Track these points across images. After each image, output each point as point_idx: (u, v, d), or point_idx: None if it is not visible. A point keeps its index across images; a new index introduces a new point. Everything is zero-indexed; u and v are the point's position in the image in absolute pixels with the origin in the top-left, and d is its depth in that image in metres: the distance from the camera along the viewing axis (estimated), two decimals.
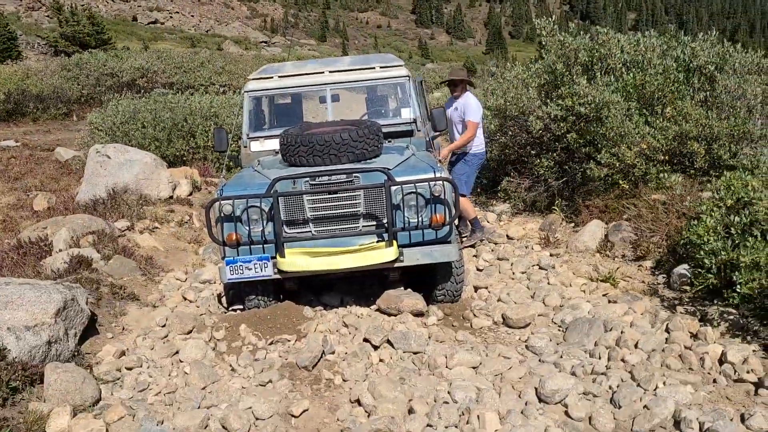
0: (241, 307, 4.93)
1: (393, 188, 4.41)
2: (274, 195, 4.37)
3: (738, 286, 3.99)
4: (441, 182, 4.45)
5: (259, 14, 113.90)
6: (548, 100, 7.50)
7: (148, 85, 19.72)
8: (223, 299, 5.23)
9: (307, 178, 4.52)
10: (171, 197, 7.96)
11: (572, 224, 7.03)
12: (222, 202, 4.44)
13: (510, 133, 8.35)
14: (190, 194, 8.25)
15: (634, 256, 5.86)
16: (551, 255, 6.12)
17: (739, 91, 6.92)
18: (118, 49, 31.09)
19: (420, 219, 4.51)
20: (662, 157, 6.67)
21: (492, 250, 6.34)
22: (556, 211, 7.27)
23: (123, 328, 4.69)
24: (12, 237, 6.65)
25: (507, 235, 6.88)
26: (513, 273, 5.64)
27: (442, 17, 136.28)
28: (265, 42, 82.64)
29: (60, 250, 5.71)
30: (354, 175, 4.52)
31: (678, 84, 7.02)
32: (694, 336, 4.09)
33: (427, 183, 4.45)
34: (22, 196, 8.91)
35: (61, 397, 3.47)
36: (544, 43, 8.01)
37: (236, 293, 5.10)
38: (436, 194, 4.47)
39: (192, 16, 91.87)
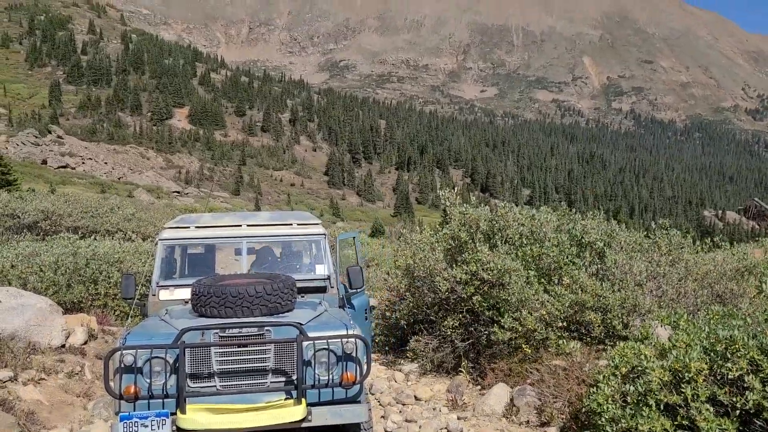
0: None
1: (305, 344, 4.38)
2: (181, 346, 4.23)
3: None
4: (354, 339, 4.47)
5: (174, 165, 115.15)
6: (454, 264, 7.88)
7: (52, 228, 18.98)
8: None
9: (217, 330, 4.43)
10: (63, 346, 7.45)
11: (479, 386, 7.11)
12: (124, 351, 4.23)
13: (418, 293, 8.60)
14: (85, 343, 7.76)
15: (539, 422, 5.94)
16: (459, 418, 6.10)
17: (627, 266, 7.57)
18: (22, 191, 30.22)
19: (330, 377, 4.45)
20: (561, 324, 7.03)
21: (400, 412, 6.26)
22: (462, 373, 7.36)
23: None
24: None
25: (415, 396, 6.84)
26: None
27: (354, 180, 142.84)
28: (178, 192, 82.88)
29: None
30: (266, 328, 4.48)
31: (572, 257, 7.61)
32: None
33: (339, 340, 4.46)
34: None
35: None
36: (447, 212, 8.58)
37: None
38: (348, 351, 4.46)
39: (105, 163, 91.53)
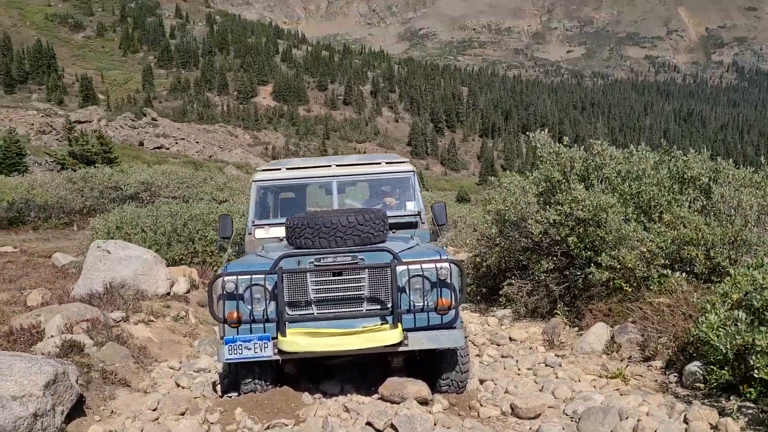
0: (236, 393, 4.71)
1: (399, 269, 4.37)
2: (279, 272, 4.32)
3: (755, 371, 3.86)
4: (447, 265, 4.42)
5: (261, 142, 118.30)
6: (547, 206, 7.63)
7: (151, 199, 20.04)
8: (218, 386, 5.01)
9: (312, 258, 4.50)
10: (168, 293, 7.85)
11: (576, 328, 6.91)
12: (225, 278, 4.38)
13: (509, 238, 8.41)
14: (188, 292, 8.15)
15: (642, 357, 5.71)
16: (557, 356, 5.96)
17: (735, 201, 7.07)
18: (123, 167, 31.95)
19: (425, 302, 4.43)
20: (662, 261, 6.69)
21: (496, 349, 6.19)
22: (558, 315, 7.17)
23: (112, 412, 4.46)
24: (3, 327, 6.47)
25: (510, 338, 6.73)
26: (519, 369, 5.47)
27: (437, 149, 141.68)
28: None
29: (52, 336, 5.54)
30: (359, 257, 4.50)
31: (673, 194, 7.19)
32: (714, 428, 3.89)
33: (433, 265, 4.42)
34: (16, 294, 8.77)
35: None
36: (539, 154, 8.28)
37: (232, 381, 4.90)
38: (442, 277, 4.42)
39: (196, 142, 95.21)
